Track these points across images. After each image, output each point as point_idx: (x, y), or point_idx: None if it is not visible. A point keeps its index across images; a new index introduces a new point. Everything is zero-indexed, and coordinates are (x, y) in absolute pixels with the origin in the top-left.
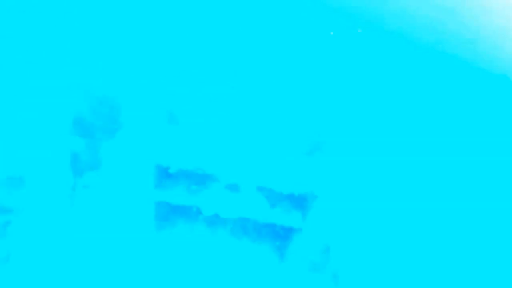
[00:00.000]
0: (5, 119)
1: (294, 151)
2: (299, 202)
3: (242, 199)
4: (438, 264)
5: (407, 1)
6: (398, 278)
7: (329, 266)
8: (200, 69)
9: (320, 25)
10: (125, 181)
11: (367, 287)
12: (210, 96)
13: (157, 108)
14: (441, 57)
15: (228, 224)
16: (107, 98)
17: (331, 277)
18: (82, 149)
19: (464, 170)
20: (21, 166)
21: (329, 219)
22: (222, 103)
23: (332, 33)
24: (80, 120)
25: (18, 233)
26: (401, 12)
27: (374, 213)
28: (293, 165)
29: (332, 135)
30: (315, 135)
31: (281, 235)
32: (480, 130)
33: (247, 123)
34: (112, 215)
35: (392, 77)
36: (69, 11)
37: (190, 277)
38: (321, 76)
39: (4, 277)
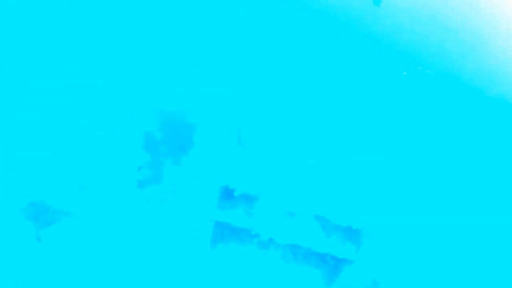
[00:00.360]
0: (76, 128)
1: (353, 184)
2: (355, 235)
3: (298, 226)
4: None
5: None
6: None
7: None
8: (274, 97)
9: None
10: (188, 198)
11: None
12: (280, 124)
13: (229, 131)
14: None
15: (280, 249)
16: (180, 116)
17: None
18: (149, 163)
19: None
20: (87, 175)
21: (382, 255)
22: (290, 132)
23: (405, 73)
24: (150, 136)
25: (78, 239)
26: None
27: (430, 254)
28: (353, 197)
29: (391, 172)
30: (376, 170)
31: (331, 265)
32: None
33: (311, 154)
34: (170, 229)
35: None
36: (140, 31)
37: None
38: (382, 110)
39: (58, 280)
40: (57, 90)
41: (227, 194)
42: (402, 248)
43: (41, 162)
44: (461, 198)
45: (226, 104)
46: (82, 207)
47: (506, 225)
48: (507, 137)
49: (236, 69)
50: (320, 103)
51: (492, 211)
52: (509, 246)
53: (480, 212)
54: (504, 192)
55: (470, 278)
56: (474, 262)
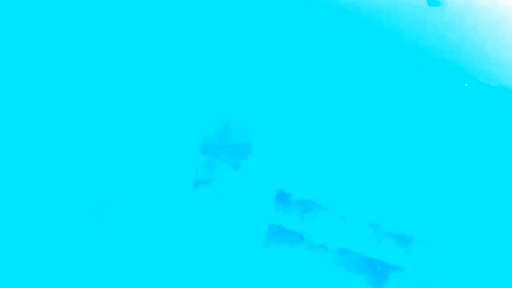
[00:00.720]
0: (140, 132)
1: (407, 190)
2: (406, 241)
3: (349, 231)
4: None
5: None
6: None
7: None
8: (333, 105)
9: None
10: (243, 201)
11: None
12: (339, 131)
13: (288, 137)
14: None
15: (330, 253)
16: (239, 121)
17: None
18: (206, 166)
19: None
20: (144, 174)
21: (434, 264)
22: (348, 139)
23: (466, 84)
24: (209, 140)
25: (136, 236)
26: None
27: (485, 265)
28: (406, 204)
29: (447, 179)
30: (432, 177)
31: (379, 271)
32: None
33: (368, 161)
34: (224, 229)
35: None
36: (198, 35)
37: None
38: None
39: (118, 278)
40: (121, 96)
41: (283, 198)
42: (455, 257)
43: (106, 163)
44: None
45: (287, 110)
46: (142, 205)
47: None
48: None
49: (297, 74)
50: (377, 110)
51: None
52: None
53: None
54: None
55: None
56: None
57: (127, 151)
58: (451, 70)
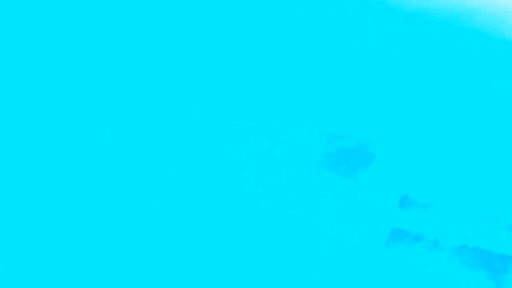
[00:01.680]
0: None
1: None
2: None
3: (468, 227)
4: None
5: None
6: None
7: None
8: (448, 114)
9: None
10: (367, 204)
11: None
12: (457, 136)
13: (410, 142)
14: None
15: (447, 251)
16: (355, 135)
17: None
18: (326, 177)
19: None
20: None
21: None
22: (471, 140)
23: None
24: (327, 155)
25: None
26: None
27: None
28: None
29: None
30: None
31: (500, 265)
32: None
33: (487, 158)
34: (345, 231)
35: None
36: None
37: None
38: None
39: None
40: (246, 114)
41: (405, 203)
42: None
43: (229, 171)
44: None
45: (407, 116)
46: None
47: None
48: None
49: (412, 80)
50: (494, 110)
51: None
52: None
53: None
54: None
55: None
56: None
57: (252, 163)
58: None
